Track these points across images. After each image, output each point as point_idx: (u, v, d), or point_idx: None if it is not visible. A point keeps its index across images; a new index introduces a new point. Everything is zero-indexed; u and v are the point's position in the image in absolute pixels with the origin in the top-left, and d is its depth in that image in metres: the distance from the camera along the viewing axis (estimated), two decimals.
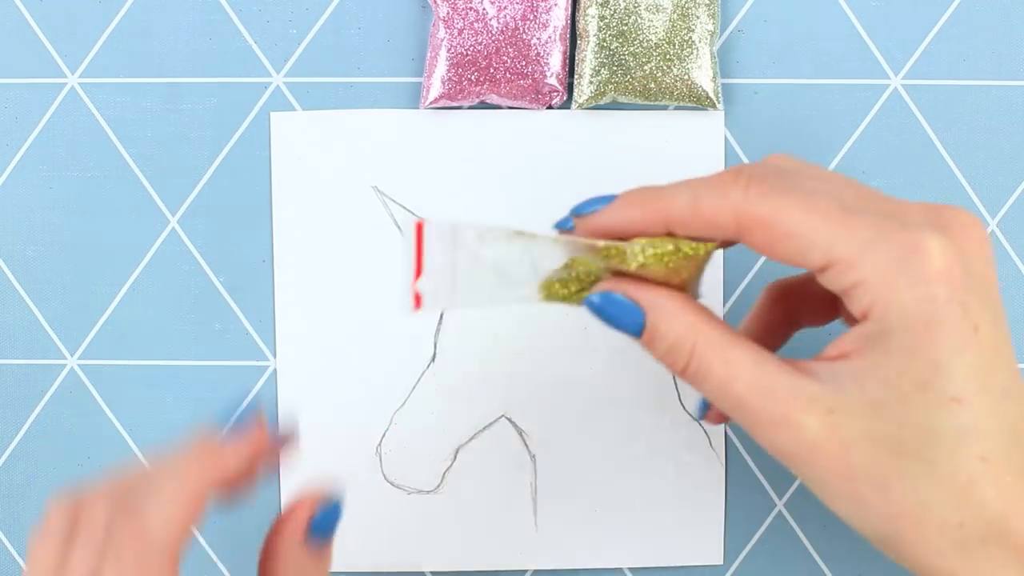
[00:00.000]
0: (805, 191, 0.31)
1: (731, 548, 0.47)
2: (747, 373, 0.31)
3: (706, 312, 0.33)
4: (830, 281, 0.31)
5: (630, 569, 0.47)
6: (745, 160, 0.46)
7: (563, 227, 0.34)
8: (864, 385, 0.30)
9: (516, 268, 0.32)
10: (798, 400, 0.31)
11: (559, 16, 0.45)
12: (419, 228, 0.30)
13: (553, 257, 0.32)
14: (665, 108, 0.46)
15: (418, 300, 0.30)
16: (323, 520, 0.35)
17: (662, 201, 0.32)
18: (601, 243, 0.32)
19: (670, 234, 0.32)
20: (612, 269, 0.33)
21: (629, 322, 0.33)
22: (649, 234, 0.32)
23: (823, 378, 0.31)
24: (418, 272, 0.30)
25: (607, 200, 0.33)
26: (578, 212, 0.33)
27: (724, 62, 0.46)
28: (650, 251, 0.32)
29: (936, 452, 0.30)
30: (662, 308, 0.32)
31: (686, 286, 0.33)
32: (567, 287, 0.33)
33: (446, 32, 0.44)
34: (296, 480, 0.47)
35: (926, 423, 0.30)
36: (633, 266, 0.32)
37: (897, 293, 0.29)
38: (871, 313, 0.30)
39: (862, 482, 0.31)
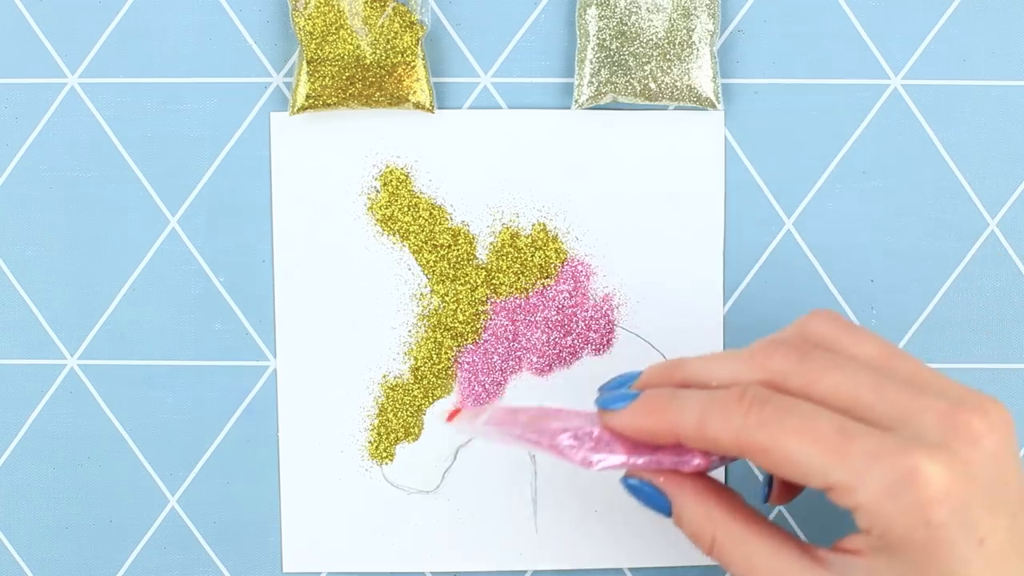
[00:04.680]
0: (804, 415, 0.32)
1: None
2: (764, 564, 0.34)
3: (727, 499, 0.35)
4: (833, 499, 0.32)
5: (630, 569, 0.47)
6: (745, 161, 0.46)
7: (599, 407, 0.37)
8: None
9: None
10: None
11: None
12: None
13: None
14: (665, 108, 0.46)
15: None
16: None
17: (672, 414, 0.34)
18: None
19: (679, 444, 0.35)
20: None
21: (658, 506, 0.36)
22: (660, 442, 0.35)
23: (836, 570, 0.33)
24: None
25: (629, 398, 0.35)
26: (603, 405, 0.36)
27: (724, 62, 0.46)
28: None
29: None
30: (685, 499, 0.35)
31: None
32: None
33: None
34: (296, 480, 0.47)
35: None
36: None
37: (892, 520, 0.31)
38: (872, 532, 0.31)
39: None
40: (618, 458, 0.35)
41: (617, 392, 0.36)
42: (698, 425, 0.33)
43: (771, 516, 0.47)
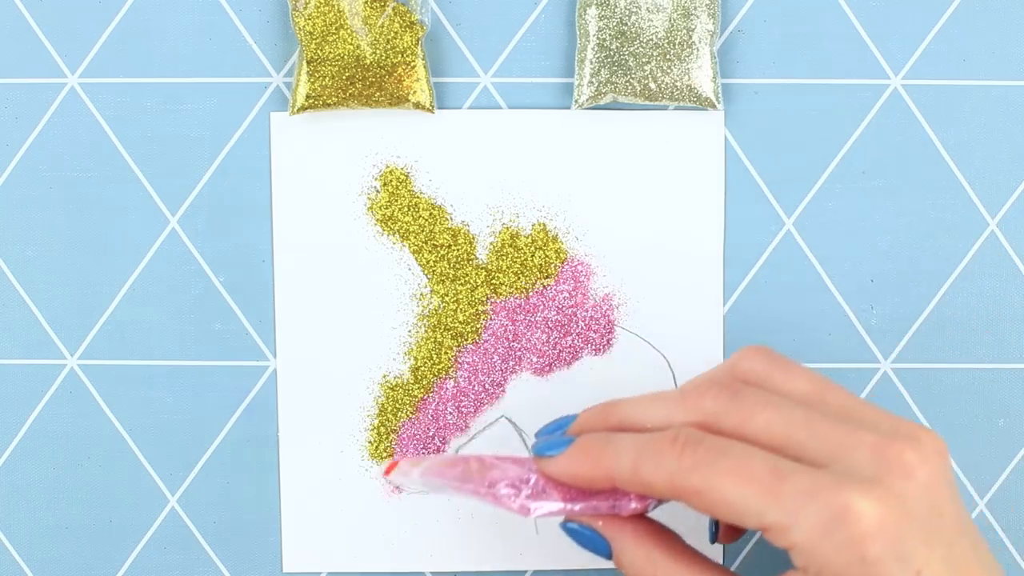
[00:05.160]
0: (737, 456, 0.32)
1: (731, 548, 0.47)
2: None
3: (665, 540, 0.35)
4: (769, 539, 0.32)
5: None
6: (745, 161, 0.46)
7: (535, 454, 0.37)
8: None
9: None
10: None
11: None
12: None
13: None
14: (665, 108, 0.46)
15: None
16: None
17: (607, 460, 0.34)
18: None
19: (615, 488, 0.35)
20: None
21: (598, 549, 0.36)
22: (596, 487, 0.35)
23: None
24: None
25: (564, 444, 0.35)
26: (539, 452, 0.36)
27: (724, 62, 0.46)
28: None
29: None
30: (624, 542, 0.35)
31: None
32: None
33: None
34: (296, 480, 0.47)
35: None
36: None
37: (828, 558, 0.31)
38: (808, 571, 0.32)
39: None
40: (555, 504, 0.36)
41: (552, 438, 0.36)
42: (632, 469, 0.34)
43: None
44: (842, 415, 0.33)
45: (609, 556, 0.36)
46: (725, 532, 0.39)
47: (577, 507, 0.36)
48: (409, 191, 0.46)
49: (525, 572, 0.47)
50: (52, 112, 0.46)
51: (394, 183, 0.46)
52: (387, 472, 0.38)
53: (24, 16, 0.46)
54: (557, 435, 0.37)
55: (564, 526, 0.37)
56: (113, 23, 0.46)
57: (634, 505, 0.35)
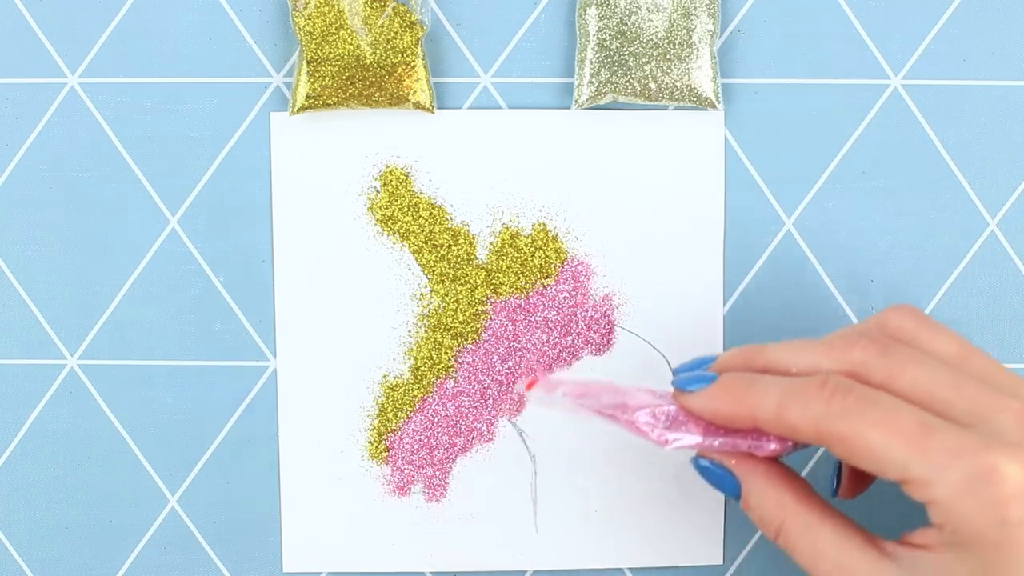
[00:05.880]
0: (886, 407, 0.32)
1: (731, 548, 0.47)
2: (831, 553, 0.34)
3: (797, 485, 0.35)
4: (908, 492, 0.32)
5: (630, 569, 0.47)
6: (745, 161, 0.46)
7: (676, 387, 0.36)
8: None
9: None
10: None
11: None
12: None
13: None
14: (665, 108, 0.46)
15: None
16: None
17: (751, 399, 0.34)
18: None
19: (755, 428, 0.35)
20: None
21: (727, 488, 0.36)
22: (737, 426, 0.35)
23: (904, 564, 0.33)
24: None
25: (707, 381, 0.35)
26: (680, 387, 0.36)
27: (724, 62, 0.46)
28: None
29: None
30: (755, 483, 0.35)
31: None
32: None
33: None
34: (296, 480, 0.47)
35: None
36: None
37: (968, 517, 0.31)
38: (945, 528, 0.31)
39: None
40: (694, 438, 0.36)
41: (694, 374, 0.36)
42: (778, 411, 0.34)
43: None
44: (986, 379, 0.33)
45: (737, 496, 0.36)
46: (848, 486, 0.39)
47: (716, 443, 0.36)
48: (409, 191, 0.46)
49: (525, 572, 0.47)
50: (52, 112, 0.46)
51: (394, 183, 0.46)
52: (528, 387, 0.38)
53: (24, 16, 0.46)
54: (699, 372, 0.36)
55: (695, 462, 0.37)
56: (113, 23, 0.46)
57: (773, 447, 0.35)
